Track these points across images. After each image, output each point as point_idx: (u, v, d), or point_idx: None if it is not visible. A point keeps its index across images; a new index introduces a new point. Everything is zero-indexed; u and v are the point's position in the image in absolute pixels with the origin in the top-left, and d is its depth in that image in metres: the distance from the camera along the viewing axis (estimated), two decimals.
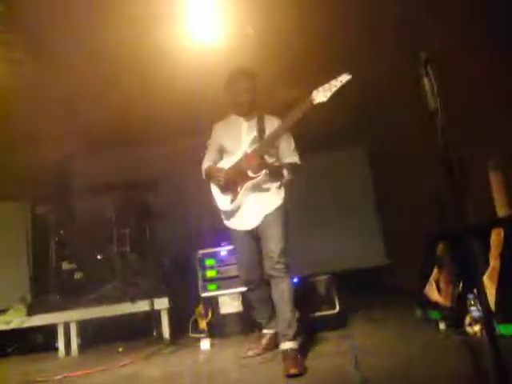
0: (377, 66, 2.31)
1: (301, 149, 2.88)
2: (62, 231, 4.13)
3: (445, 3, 2.72)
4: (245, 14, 3.12)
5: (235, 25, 3.26)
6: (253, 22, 3.17)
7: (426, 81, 1.68)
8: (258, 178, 2.69)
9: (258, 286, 2.95)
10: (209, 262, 3.95)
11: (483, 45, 2.97)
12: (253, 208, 2.77)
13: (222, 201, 2.84)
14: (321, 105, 2.44)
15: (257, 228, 2.78)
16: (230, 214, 2.84)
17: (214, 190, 2.88)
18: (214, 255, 3.97)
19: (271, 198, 2.79)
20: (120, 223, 4.24)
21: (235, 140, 2.81)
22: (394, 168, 5.18)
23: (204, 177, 2.94)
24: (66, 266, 4.03)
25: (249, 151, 2.71)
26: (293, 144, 2.84)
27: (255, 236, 2.82)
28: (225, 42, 3.44)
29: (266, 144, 2.69)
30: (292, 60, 3.60)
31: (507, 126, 2.98)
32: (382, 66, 2.30)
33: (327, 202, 5.84)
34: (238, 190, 2.74)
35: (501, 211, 2.84)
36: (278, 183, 2.81)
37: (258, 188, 2.75)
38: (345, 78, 2.42)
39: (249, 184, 2.71)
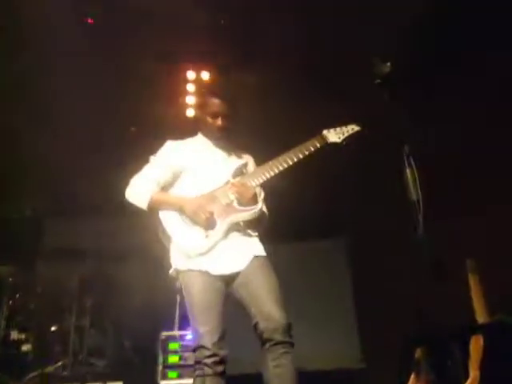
0: (358, 158, 2.35)
1: (274, 237, 2.59)
2: (17, 295, 3.85)
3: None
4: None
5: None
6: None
7: (408, 172, 1.70)
8: (252, 212, 2.21)
9: (223, 365, 1.94)
10: (172, 345, 3.67)
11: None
12: (237, 247, 2.18)
13: (189, 236, 2.14)
14: (333, 145, 2.28)
15: (240, 273, 2.14)
16: (200, 254, 2.13)
17: (172, 221, 2.17)
18: (179, 339, 3.70)
19: (259, 243, 2.27)
20: (82, 294, 3.99)
21: (207, 165, 2.32)
22: (373, 263, 5.10)
23: (146, 203, 2.17)
24: (14, 335, 3.67)
25: (233, 180, 2.26)
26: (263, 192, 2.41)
27: (228, 284, 2.13)
28: None
29: (258, 176, 2.25)
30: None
31: (484, 227, 3.01)
32: (362, 157, 2.35)
33: (301, 296, 5.61)
34: (218, 222, 2.15)
35: (480, 318, 2.75)
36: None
37: (241, 227, 2.23)
38: (355, 127, 2.31)
39: (234, 218, 2.19)
